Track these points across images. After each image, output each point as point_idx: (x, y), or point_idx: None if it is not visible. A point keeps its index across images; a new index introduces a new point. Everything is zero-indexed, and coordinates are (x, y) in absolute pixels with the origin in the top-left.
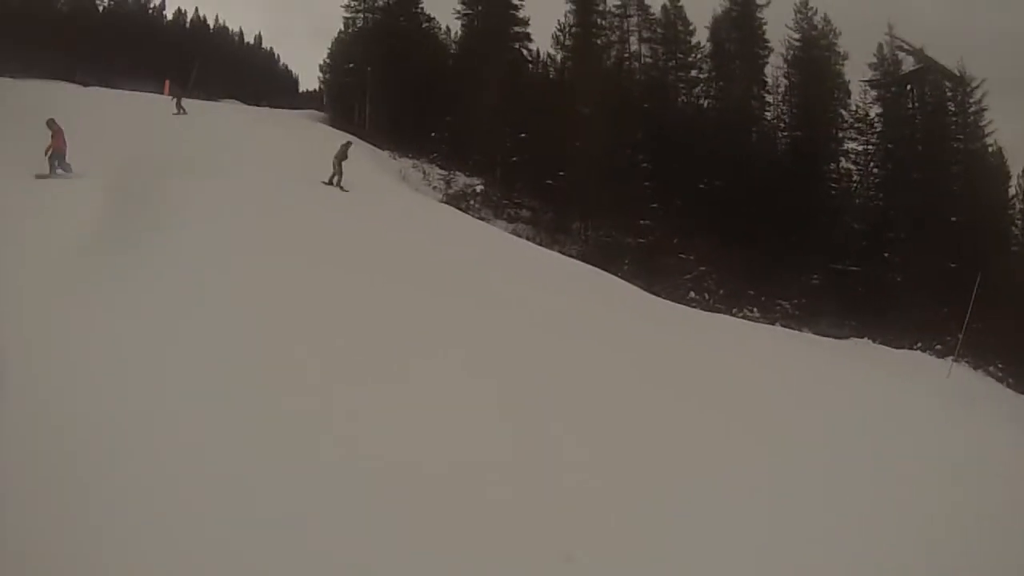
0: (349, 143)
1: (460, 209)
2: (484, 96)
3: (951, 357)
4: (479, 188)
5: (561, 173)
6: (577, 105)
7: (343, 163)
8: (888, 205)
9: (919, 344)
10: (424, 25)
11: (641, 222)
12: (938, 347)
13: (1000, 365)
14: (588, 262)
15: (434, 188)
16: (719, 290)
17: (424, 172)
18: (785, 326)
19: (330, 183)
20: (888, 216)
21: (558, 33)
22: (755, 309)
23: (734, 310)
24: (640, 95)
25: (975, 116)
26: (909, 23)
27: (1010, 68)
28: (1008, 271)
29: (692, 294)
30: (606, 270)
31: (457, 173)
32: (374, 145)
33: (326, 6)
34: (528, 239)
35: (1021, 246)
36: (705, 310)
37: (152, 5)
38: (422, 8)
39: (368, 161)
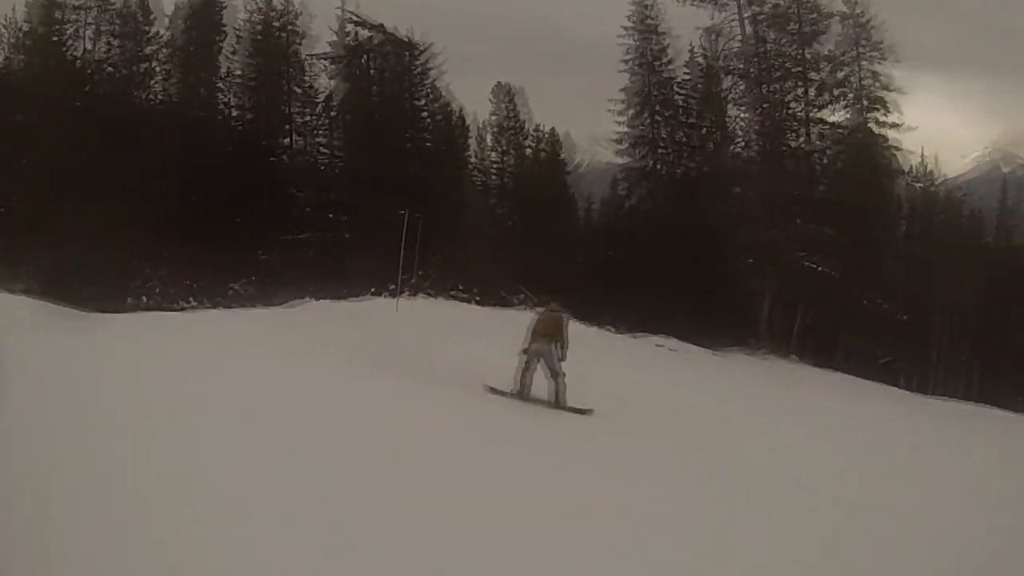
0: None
1: None
2: None
3: (407, 294)
4: None
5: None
6: (15, 113)
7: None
8: (333, 169)
9: (373, 290)
10: None
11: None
12: (392, 287)
13: (461, 288)
14: None
15: None
16: (167, 289)
17: None
18: (240, 307)
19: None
20: (331, 180)
21: (2, 30)
22: (191, 299)
23: (183, 304)
24: (77, 94)
25: (423, 79)
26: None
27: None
28: (464, 211)
29: (129, 300)
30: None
31: None
32: None
33: None
34: None
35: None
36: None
37: None
38: None
39: None
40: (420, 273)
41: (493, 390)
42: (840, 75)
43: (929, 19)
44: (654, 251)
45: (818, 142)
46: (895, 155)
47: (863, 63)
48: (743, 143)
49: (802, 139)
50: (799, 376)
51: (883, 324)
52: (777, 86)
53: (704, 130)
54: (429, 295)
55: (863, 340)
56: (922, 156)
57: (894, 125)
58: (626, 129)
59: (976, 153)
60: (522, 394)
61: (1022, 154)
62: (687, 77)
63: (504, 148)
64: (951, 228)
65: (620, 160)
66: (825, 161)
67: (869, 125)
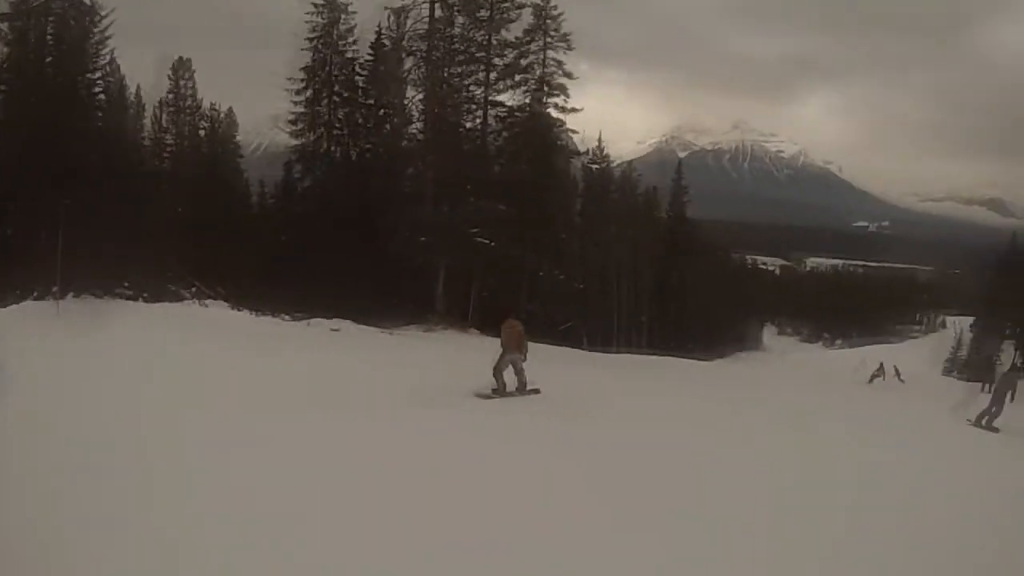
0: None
1: None
2: None
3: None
4: None
5: None
6: None
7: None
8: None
9: (36, 293)
10: None
11: None
12: (55, 290)
13: (128, 285)
14: None
15: None
16: None
17: None
18: None
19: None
20: None
21: None
22: None
23: None
24: None
25: (100, 48)
26: None
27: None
28: (133, 199)
29: None
30: None
31: None
32: None
33: None
34: None
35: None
36: None
37: None
38: None
39: None
40: (86, 271)
41: (479, 395)
42: (524, 62)
43: (613, 17)
44: (327, 234)
45: (495, 124)
46: (571, 138)
47: (549, 52)
48: (420, 124)
49: (479, 120)
50: (473, 346)
51: (561, 293)
52: (459, 69)
53: (382, 111)
54: (95, 295)
55: (543, 308)
56: (600, 140)
57: (573, 110)
58: (302, 109)
59: (654, 139)
60: (500, 391)
61: (697, 142)
62: (370, 58)
63: (178, 130)
64: (626, 204)
65: (295, 141)
66: (500, 142)
67: (548, 110)
